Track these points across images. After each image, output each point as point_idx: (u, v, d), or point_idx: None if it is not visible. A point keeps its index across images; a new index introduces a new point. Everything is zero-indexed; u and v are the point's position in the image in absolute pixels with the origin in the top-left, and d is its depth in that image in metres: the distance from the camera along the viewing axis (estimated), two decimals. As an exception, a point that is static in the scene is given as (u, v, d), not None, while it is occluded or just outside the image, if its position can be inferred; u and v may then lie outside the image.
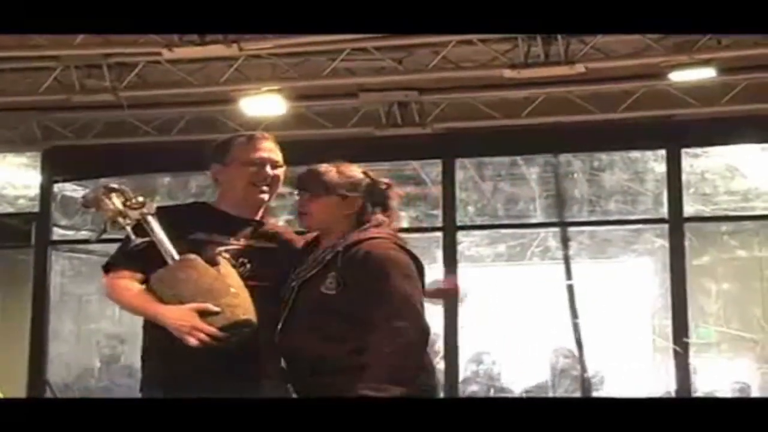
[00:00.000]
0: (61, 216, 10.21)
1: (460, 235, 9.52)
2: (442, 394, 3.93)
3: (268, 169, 3.92)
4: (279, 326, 3.77)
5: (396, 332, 3.58)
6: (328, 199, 3.86)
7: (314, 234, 3.98)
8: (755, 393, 9.44)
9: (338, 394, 3.53)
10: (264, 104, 8.70)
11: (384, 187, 3.96)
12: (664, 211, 9.25)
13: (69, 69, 8.40)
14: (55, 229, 10.14)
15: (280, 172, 3.96)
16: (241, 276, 3.76)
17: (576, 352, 9.37)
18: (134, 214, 3.81)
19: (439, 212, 9.62)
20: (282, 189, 4.03)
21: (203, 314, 3.61)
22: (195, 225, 3.86)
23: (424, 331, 3.68)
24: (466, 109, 9.13)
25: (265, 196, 3.95)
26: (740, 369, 9.82)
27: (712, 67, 7.96)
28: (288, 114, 8.87)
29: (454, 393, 9.02)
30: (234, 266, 3.78)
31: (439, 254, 9.49)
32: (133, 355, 10.34)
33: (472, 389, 9.70)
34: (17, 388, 9.25)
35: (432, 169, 9.79)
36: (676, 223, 9.10)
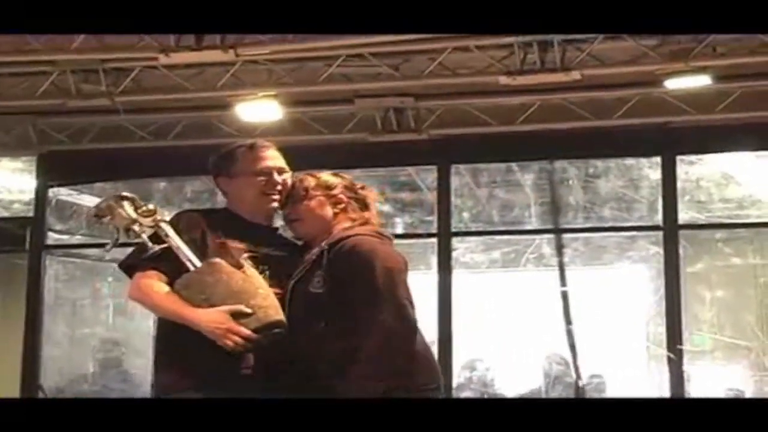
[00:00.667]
0: (55, 220, 10.21)
1: (455, 242, 9.51)
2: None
3: (276, 176, 3.97)
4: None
5: (381, 326, 3.62)
6: (313, 201, 3.97)
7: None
8: (749, 400, 9.45)
9: (331, 393, 3.56)
10: (260, 110, 8.70)
11: (359, 187, 4.10)
12: (658, 219, 9.25)
13: (65, 73, 8.39)
14: (50, 234, 10.14)
15: (287, 177, 4.02)
16: None
17: (570, 359, 9.37)
18: (147, 221, 3.84)
19: (434, 218, 9.62)
20: None
21: (236, 316, 3.64)
22: (220, 229, 3.89)
23: (410, 322, 3.71)
24: (462, 115, 9.14)
25: (275, 204, 4.00)
26: (734, 376, 9.82)
27: (707, 75, 7.98)
28: (284, 119, 8.87)
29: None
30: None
31: (434, 260, 9.49)
32: (126, 360, 10.35)
33: (465, 396, 9.70)
34: (10, 392, 9.25)
35: (427, 175, 9.79)
36: (671, 230, 9.11)
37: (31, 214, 10.11)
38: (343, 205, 4.01)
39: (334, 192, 4.01)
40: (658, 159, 9.26)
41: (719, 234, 9.98)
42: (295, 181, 4.01)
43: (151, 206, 3.90)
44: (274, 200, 3.98)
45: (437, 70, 8.24)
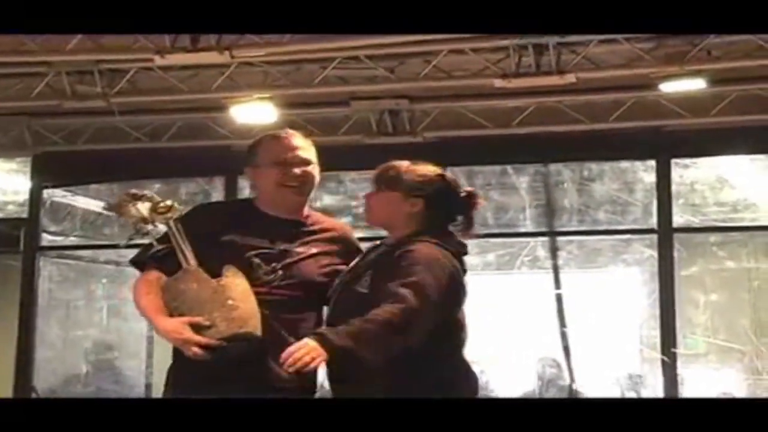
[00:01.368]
0: (50, 222, 10.20)
1: (450, 244, 9.50)
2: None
3: (296, 168, 3.82)
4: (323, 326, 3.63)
5: (397, 299, 3.38)
6: (388, 195, 3.70)
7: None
8: (742, 404, 9.45)
9: (373, 395, 3.42)
10: (255, 112, 8.69)
11: (463, 194, 3.77)
12: (653, 222, 9.26)
13: (60, 75, 8.37)
14: (44, 235, 10.12)
15: (312, 169, 3.87)
16: (268, 284, 3.69)
17: (564, 362, 9.37)
18: (160, 219, 3.79)
19: (428, 221, 9.61)
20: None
21: (195, 327, 3.58)
22: (232, 226, 3.79)
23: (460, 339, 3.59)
24: (457, 117, 9.14)
25: (298, 197, 3.85)
26: (727, 379, 9.83)
27: (702, 78, 7.97)
28: (279, 122, 8.85)
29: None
30: (265, 272, 3.70)
31: (429, 263, 9.47)
32: (120, 361, 10.34)
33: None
34: (4, 394, 9.24)
35: (422, 178, 9.78)
36: (665, 233, 9.11)
37: (25, 215, 10.10)
38: (423, 205, 3.69)
39: (420, 192, 3.68)
40: (652, 162, 9.27)
41: (714, 237, 9.99)
42: (386, 167, 3.73)
43: (168, 202, 3.82)
44: (295, 192, 3.81)
45: (432, 73, 8.24)
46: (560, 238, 9.65)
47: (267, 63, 8.28)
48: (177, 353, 3.73)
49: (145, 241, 3.87)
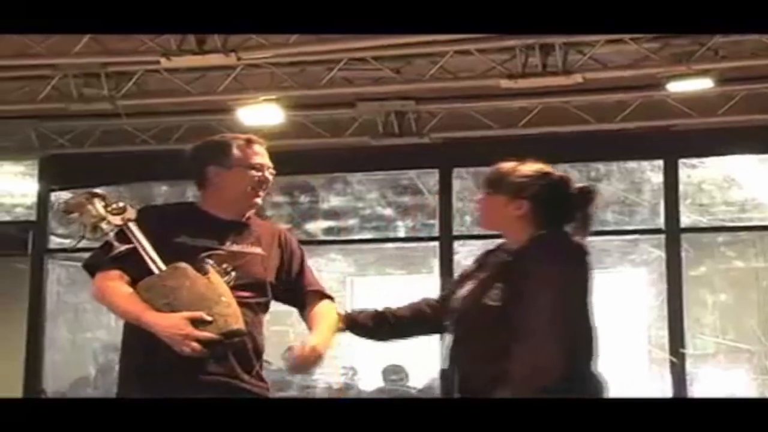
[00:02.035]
0: (57, 224, 10.20)
1: (457, 245, 9.50)
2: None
3: (267, 173, 3.91)
4: (450, 340, 3.60)
5: (543, 341, 3.31)
6: (494, 199, 3.61)
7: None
8: (751, 404, 9.42)
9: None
10: (262, 113, 8.70)
11: (574, 191, 3.62)
12: (660, 222, 9.25)
13: (67, 77, 8.39)
14: (52, 238, 10.14)
15: (272, 175, 3.95)
16: (227, 284, 3.73)
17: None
18: (116, 220, 3.78)
19: (435, 222, 9.62)
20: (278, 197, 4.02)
21: (196, 323, 3.58)
22: (181, 227, 3.80)
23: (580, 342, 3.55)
24: (463, 118, 9.14)
25: (259, 200, 3.93)
26: (736, 380, 9.81)
27: (709, 77, 7.97)
28: (286, 123, 8.87)
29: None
30: (218, 272, 3.73)
31: (436, 264, 9.49)
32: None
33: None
34: (13, 396, 9.24)
35: (429, 179, 9.79)
36: (673, 233, 9.11)
37: (33, 218, 10.14)
38: (529, 206, 3.55)
39: (523, 192, 3.55)
40: (660, 162, 9.27)
41: (721, 237, 9.96)
42: (494, 169, 3.67)
43: (121, 204, 3.82)
44: (259, 196, 3.90)
45: (439, 74, 8.24)
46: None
47: (273, 65, 8.29)
48: (134, 348, 3.73)
49: (95, 243, 3.85)
